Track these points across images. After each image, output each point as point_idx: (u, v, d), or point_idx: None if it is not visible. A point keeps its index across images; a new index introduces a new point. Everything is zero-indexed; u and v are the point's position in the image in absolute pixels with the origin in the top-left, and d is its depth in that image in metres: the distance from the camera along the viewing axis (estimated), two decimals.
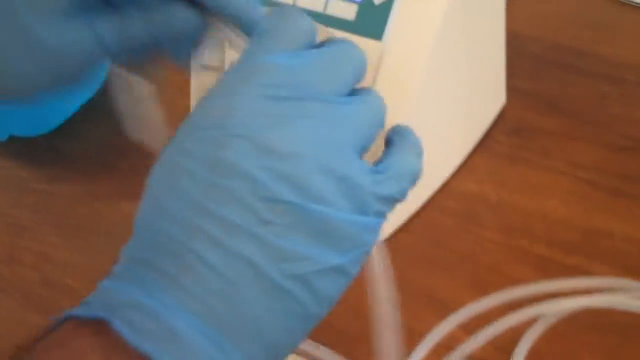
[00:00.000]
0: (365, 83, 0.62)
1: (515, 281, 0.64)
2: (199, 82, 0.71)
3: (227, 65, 0.63)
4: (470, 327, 0.61)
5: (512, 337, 0.60)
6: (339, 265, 0.33)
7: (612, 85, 0.81)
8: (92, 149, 0.80)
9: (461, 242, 0.69)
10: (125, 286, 0.31)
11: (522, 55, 0.84)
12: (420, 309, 0.63)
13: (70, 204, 0.75)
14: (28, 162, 0.78)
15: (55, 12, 0.37)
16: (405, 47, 0.62)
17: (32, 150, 0.79)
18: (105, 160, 0.79)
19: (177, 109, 0.83)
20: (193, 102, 0.72)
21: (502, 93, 0.79)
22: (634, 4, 0.91)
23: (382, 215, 0.34)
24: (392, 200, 0.35)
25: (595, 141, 0.76)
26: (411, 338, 0.61)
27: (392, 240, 0.67)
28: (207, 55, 0.66)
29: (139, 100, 0.51)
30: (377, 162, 0.36)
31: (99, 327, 0.30)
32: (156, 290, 0.30)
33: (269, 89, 0.32)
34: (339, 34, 0.61)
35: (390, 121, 0.62)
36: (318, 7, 0.63)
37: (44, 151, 0.79)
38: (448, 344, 0.61)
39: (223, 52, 0.65)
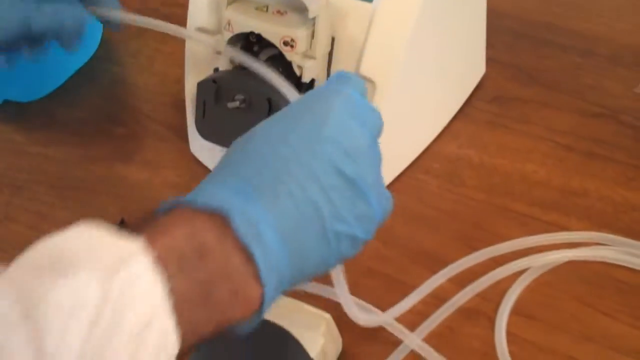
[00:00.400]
0: (356, 43, 0.65)
1: (497, 236, 0.67)
2: (193, 50, 0.73)
3: (223, 27, 0.65)
4: (457, 279, 0.64)
5: (499, 288, 0.64)
6: (360, 239, 0.45)
7: (584, 58, 0.85)
8: (86, 115, 0.82)
9: (445, 200, 0.72)
10: (228, 192, 0.41)
11: (500, 30, 0.88)
12: (409, 263, 0.66)
13: (65, 166, 0.76)
14: (22, 126, 0.80)
15: None
16: (393, 10, 0.65)
17: (26, 115, 0.80)
18: (99, 125, 0.81)
19: (168, 78, 0.86)
20: (187, 68, 0.73)
21: (482, 63, 0.82)
22: None
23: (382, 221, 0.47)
24: (385, 213, 0.47)
25: (570, 109, 0.80)
26: (402, 290, 0.63)
27: None
28: (204, 18, 0.68)
29: None
30: None
31: (213, 216, 0.40)
32: (253, 202, 0.41)
33: (350, 109, 0.46)
34: None
35: (380, 81, 0.65)
36: None
37: (38, 116, 0.81)
38: (437, 294, 0.63)
39: (219, 16, 0.67)
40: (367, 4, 0.65)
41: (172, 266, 0.37)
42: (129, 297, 0.35)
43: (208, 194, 0.41)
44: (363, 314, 0.54)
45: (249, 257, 0.40)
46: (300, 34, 0.62)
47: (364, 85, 0.49)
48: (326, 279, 0.50)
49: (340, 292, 0.51)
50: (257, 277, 0.40)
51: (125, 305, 0.35)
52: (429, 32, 0.68)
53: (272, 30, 0.63)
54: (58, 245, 0.36)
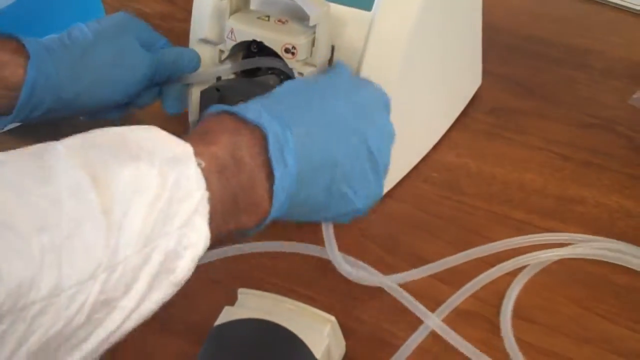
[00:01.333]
0: (355, 51, 0.67)
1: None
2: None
3: (226, 35, 0.67)
4: (452, 281, 0.65)
5: (495, 290, 0.64)
6: (357, 209, 0.53)
7: (579, 71, 0.87)
8: (89, 125, 0.82)
9: (444, 207, 0.73)
10: (269, 115, 0.46)
11: (496, 44, 0.90)
12: (409, 268, 0.66)
13: None
14: (30, 141, 0.79)
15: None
16: (392, 19, 0.66)
17: (35, 134, 0.80)
18: None
19: None
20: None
21: (478, 75, 0.84)
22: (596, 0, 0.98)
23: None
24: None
25: (566, 120, 0.82)
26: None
27: (380, 206, 0.71)
28: (206, 29, 0.70)
29: None
30: None
31: (254, 131, 0.45)
32: (286, 130, 0.46)
33: (385, 100, 0.55)
34: (333, 6, 0.65)
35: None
36: None
37: (48, 136, 0.81)
38: (434, 296, 0.64)
39: (221, 27, 0.68)
40: (366, 13, 0.66)
41: (214, 173, 0.43)
42: (181, 192, 0.39)
43: (253, 111, 0.46)
44: (354, 270, 0.60)
45: (270, 175, 0.45)
46: (301, 42, 0.63)
47: None
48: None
49: (330, 249, 0.57)
50: (270, 193, 0.46)
51: (177, 199, 0.39)
52: (427, 40, 0.70)
53: (273, 38, 0.64)
54: (122, 133, 0.41)
